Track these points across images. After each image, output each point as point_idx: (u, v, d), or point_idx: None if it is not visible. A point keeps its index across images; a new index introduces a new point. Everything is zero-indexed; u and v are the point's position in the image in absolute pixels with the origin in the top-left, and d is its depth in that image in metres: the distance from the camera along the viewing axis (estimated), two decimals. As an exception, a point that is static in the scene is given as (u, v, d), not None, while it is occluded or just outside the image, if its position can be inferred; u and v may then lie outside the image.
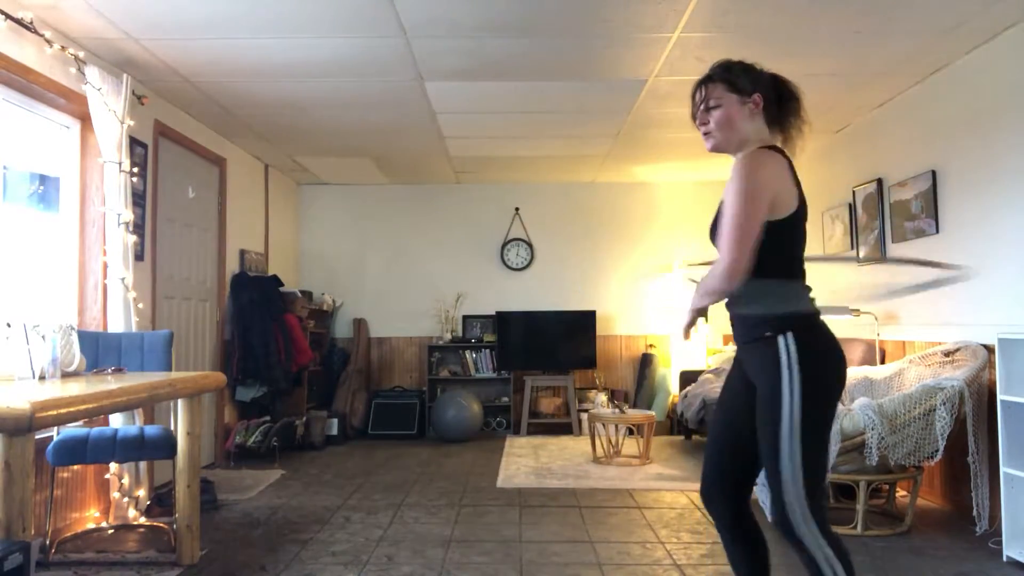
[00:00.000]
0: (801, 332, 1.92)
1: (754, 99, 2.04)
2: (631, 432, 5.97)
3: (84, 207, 4.03)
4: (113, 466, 3.79)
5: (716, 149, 2.10)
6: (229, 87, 4.49)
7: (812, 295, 2.01)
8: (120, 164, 3.86)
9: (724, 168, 6.78)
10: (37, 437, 2.55)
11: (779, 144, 2.07)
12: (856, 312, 4.73)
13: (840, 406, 3.87)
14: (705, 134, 2.09)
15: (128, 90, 3.94)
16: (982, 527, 3.48)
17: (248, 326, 5.60)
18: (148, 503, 3.91)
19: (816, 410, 1.87)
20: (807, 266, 2.09)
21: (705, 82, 2.08)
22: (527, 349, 6.99)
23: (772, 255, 1.93)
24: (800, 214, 1.97)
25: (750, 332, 2.02)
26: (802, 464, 1.86)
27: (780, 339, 1.92)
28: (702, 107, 2.08)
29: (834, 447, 3.48)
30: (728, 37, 3.75)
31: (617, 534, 3.68)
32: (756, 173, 1.91)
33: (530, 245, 7.38)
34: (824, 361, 1.92)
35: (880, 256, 4.82)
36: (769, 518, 1.96)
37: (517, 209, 7.41)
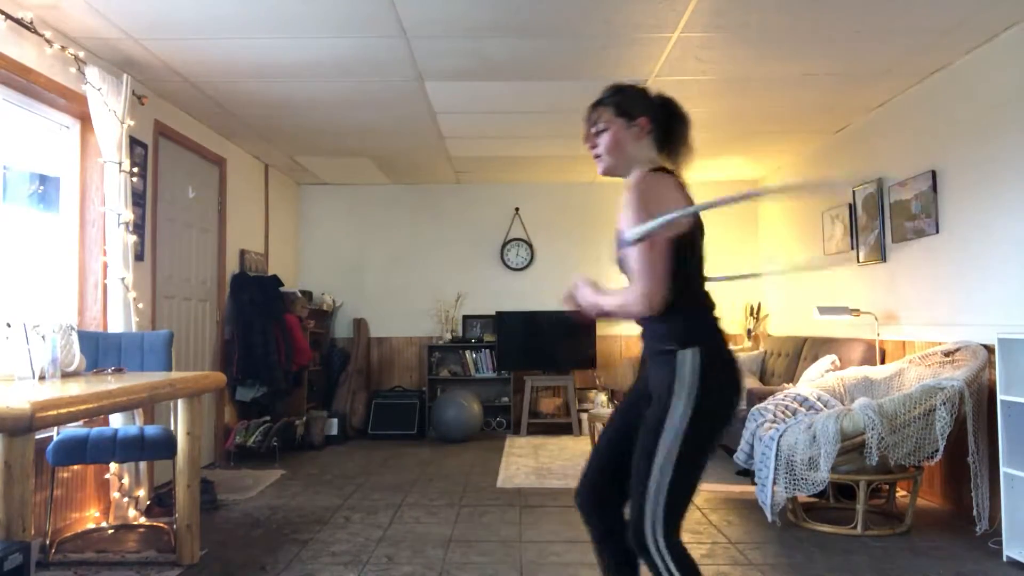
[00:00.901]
0: (705, 352, 1.91)
1: (639, 122, 2.06)
2: (631, 432, 5.95)
3: (84, 207, 4.03)
4: (113, 466, 3.79)
5: (607, 172, 2.12)
6: (229, 87, 4.49)
7: (717, 315, 2.02)
8: (120, 164, 3.86)
9: (724, 168, 6.78)
10: (37, 437, 2.55)
11: (668, 166, 2.10)
12: (856, 312, 4.74)
13: (839, 405, 3.88)
14: (596, 156, 2.11)
15: (128, 90, 3.94)
16: (982, 527, 3.48)
17: (248, 326, 5.60)
18: (148, 503, 3.91)
19: (699, 433, 1.85)
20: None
21: (595, 105, 2.10)
22: (527, 349, 6.99)
23: (675, 272, 1.94)
24: (695, 232, 2.01)
25: (656, 344, 1.99)
26: (670, 482, 1.84)
27: (681, 355, 1.90)
28: (592, 130, 2.10)
29: (834, 447, 3.48)
30: (728, 37, 3.75)
31: (617, 534, 3.67)
32: (646, 195, 1.93)
33: (530, 245, 7.38)
34: (721, 385, 1.91)
35: (880, 257, 4.82)
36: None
37: (517, 209, 7.41)
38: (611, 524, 2.03)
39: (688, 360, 1.90)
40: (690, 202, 2.01)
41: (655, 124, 2.09)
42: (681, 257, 1.96)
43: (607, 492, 2.03)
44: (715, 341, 1.96)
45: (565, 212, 7.45)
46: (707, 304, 2.03)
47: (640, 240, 1.87)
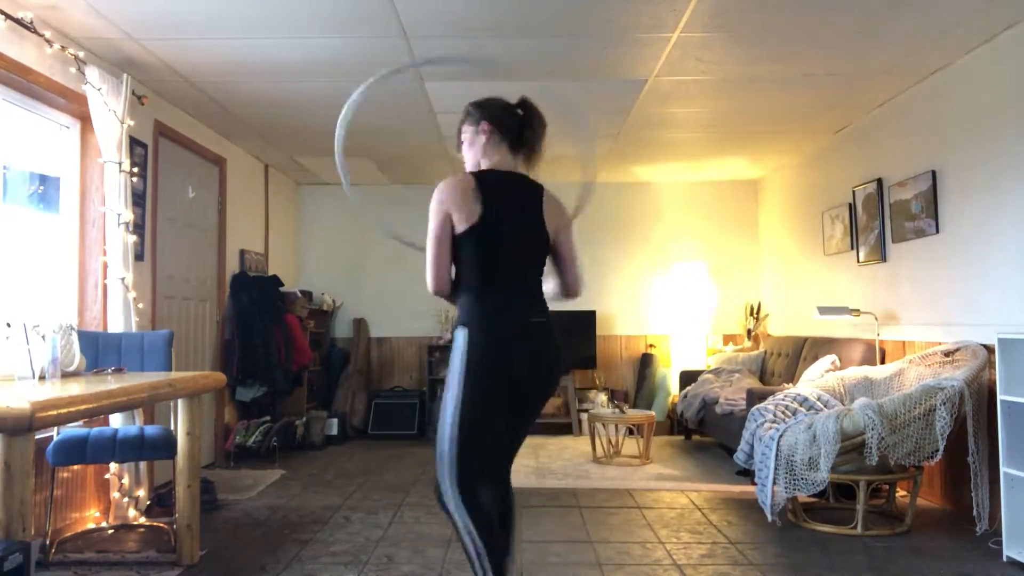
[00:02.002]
0: (473, 330, 2.19)
1: (482, 127, 2.38)
2: (631, 432, 5.97)
3: (84, 207, 4.03)
4: (113, 466, 3.79)
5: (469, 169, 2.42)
6: (229, 87, 4.49)
7: (502, 298, 2.26)
8: (120, 164, 3.86)
9: (724, 168, 6.79)
10: (37, 437, 2.55)
11: (521, 166, 2.39)
12: (856, 312, 4.73)
13: (839, 405, 3.88)
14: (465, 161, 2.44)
15: (128, 90, 3.94)
16: (982, 527, 3.48)
17: (248, 326, 5.60)
18: (148, 503, 3.91)
19: (471, 399, 2.16)
20: None
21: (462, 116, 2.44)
22: (527, 349, 6.97)
23: (460, 263, 2.26)
24: (484, 225, 2.22)
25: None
26: (456, 442, 2.17)
27: (456, 332, 2.22)
28: (459, 138, 2.46)
29: (834, 447, 3.48)
30: (728, 37, 3.75)
31: (617, 534, 3.68)
32: (432, 201, 2.27)
33: (530, 245, 7.37)
34: (485, 358, 2.17)
35: (880, 257, 4.82)
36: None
37: (517, 209, 7.40)
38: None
39: (460, 337, 2.20)
40: (488, 200, 2.25)
41: (503, 128, 2.37)
42: (466, 249, 2.23)
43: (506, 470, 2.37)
44: (483, 319, 2.22)
45: (565, 212, 7.43)
46: (486, 290, 2.25)
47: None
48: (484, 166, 2.39)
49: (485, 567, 2.21)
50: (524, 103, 2.40)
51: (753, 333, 6.95)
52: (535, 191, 2.37)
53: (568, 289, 2.51)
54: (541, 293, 2.40)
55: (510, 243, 2.28)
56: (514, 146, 2.39)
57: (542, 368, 2.31)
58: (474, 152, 2.42)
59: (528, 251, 2.35)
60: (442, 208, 2.25)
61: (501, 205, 2.26)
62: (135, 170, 4.10)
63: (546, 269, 2.45)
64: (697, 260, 7.29)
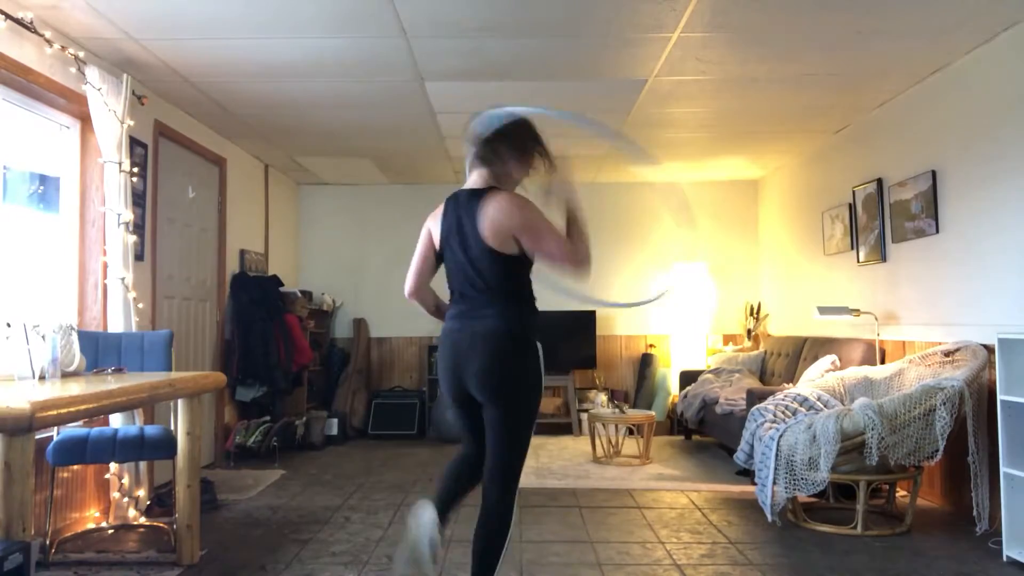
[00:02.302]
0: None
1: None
2: (631, 432, 5.97)
3: (84, 207, 4.03)
4: (113, 466, 3.79)
5: None
6: (229, 87, 4.49)
7: (453, 309, 2.63)
8: (120, 164, 3.86)
9: (724, 168, 6.79)
10: (37, 437, 2.55)
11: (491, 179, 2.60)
12: (856, 312, 4.73)
13: (839, 405, 3.88)
14: None
15: (128, 90, 3.94)
16: (982, 527, 3.48)
17: (248, 326, 5.60)
18: (148, 503, 3.91)
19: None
20: None
21: None
22: (527, 349, 6.97)
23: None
24: (441, 248, 2.61)
25: None
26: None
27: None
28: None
29: (834, 447, 3.48)
30: (728, 37, 3.75)
31: (617, 534, 3.68)
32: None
33: (530, 245, 7.37)
34: (440, 358, 2.61)
35: (880, 257, 4.82)
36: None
37: (517, 209, 7.40)
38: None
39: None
40: (445, 223, 2.57)
41: (471, 148, 2.66)
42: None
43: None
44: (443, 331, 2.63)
45: (565, 212, 7.43)
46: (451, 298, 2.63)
47: None
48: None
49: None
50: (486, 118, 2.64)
51: (753, 333, 6.95)
52: (471, 204, 2.47)
53: (571, 269, 2.49)
54: (485, 302, 2.50)
55: (452, 260, 2.57)
56: (483, 160, 2.59)
57: (467, 371, 2.49)
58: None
59: (466, 264, 2.50)
60: (424, 227, 2.67)
61: (442, 226, 2.57)
62: (135, 170, 4.10)
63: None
64: (697, 260, 7.29)
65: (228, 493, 4.50)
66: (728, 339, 7.15)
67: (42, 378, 2.92)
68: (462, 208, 2.50)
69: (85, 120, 3.94)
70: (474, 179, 2.59)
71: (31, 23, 3.36)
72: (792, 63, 4.09)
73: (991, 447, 3.48)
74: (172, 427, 3.38)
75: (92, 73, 3.74)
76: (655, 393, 6.94)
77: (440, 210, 2.60)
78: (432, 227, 2.62)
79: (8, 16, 3.23)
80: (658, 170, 6.90)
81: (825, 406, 3.98)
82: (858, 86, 4.48)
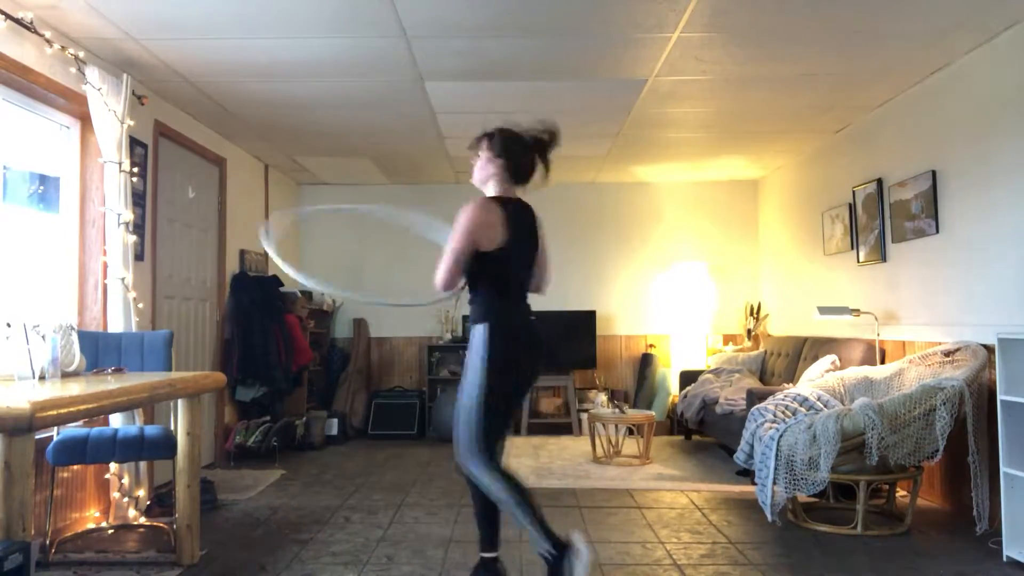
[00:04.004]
0: (493, 327, 2.68)
1: (493, 157, 2.84)
2: (631, 432, 5.97)
3: (84, 207, 4.03)
4: (113, 466, 3.79)
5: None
6: (229, 87, 4.49)
7: (514, 306, 2.80)
8: (120, 164, 3.86)
9: (724, 168, 6.79)
10: (37, 437, 2.55)
11: (516, 193, 2.85)
12: (856, 312, 4.73)
13: (839, 405, 3.88)
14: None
15: (128, 90, 3.94)
16: (982, 527, 3.48)
17: (248, 326, 5.60)
18: (148, 503, 3.91)
19: (492, 383, 2.66)
20: None
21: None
22: (527, 349, 6.97)
23: (483, 276, 2.74)
24: (505, 248, 2.71)
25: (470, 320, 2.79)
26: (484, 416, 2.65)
27: (476, 327, 2.72)
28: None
29: (834, 447, 3.48)
30: (728, 37, 3.75)
31: (617, 534, 3.68)
32: (463, 219, 2.68)
33: (530, 245, 7.37)
34: (504, 348, 2.67)
35: (880, 257, 4.82)
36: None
37: (517, 209, 7.40)
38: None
39: (479, 331, 2.71)
40: (510, 226, 2.72)
41: (507, 159, 2.83)
42: (486, 261, 2.71)
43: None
44: (501, 318, 2.72)
45: (565, 212, 7.44)
46: (502, 292, 2.77)
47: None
48: (494, 192, 2.83)
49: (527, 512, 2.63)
50: (539, 138, 2.91)
51: (753, 333, 6.95)
52: (532, 215, 2.88)
53: (541, 287, 2.96)
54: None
55: (520, 261, 2.82)
56: (516, 176, 2.85)
57: (536, 357, 2.81)
58: (483, 176, 2.86)
59: (526, 265, 2.86)
60: (481, 231, 2.69)
61: (512, 231, 2.73)
62: (135, 170, 4.10)
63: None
64: (697, 260, 7.29)
65: (228, 493, 4.50)
66: (728, 339, 7.15)
67: (42, 378, 2.92)
68: (527, 214, 2.86)
69: (85, 120, 3.94)
70: (516, 191, 2.89)
71: (31, 23, 3.36)
72: (792, 63, 4.09)
73: (991, 447, 3.48)
74: (172, 427, 3.38)
75: (92, 73, 3.74)
76: (655, 393, 6.94)
77: (499, 208, 2.73)
78: (499, 225, 2.71)
79: (8, 16, 3.23)
80: (658, 170, 6.90)
81: (825, 406, 3.98)
82: (858, 86, 4.48)
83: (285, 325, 5.87)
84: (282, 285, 6.17)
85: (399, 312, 7.36)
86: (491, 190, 2.84)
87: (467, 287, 2.79)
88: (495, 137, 2.85)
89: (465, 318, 7.31)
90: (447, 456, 5.82)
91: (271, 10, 3.44)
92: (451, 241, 2.66)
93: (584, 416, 6.51)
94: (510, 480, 2.65)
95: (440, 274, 2.68)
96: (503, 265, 2.74)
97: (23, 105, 3.62)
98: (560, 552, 2.56)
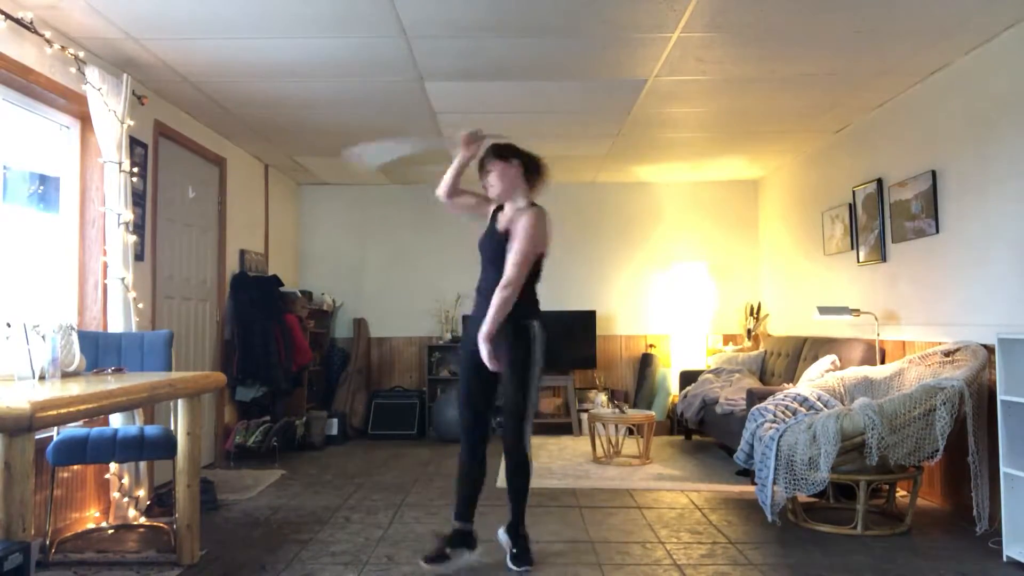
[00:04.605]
0: (542, 325, 3.20)
1: (517, 167, 3.23)
2: (631, 432, 5.97)
3: (84, 207, 4.03)
4: (113, 466, 3.79)
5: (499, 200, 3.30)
6: (229, 87, 4.49)
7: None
8: (120, 164, 3.86)
9: (724, 168, 6.79)
10: (37, 437, 2.55)
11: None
12: (856, 312, 4.73)
13: (839, 405, 3.88)
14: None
15: (128, 90, 3.94)
16: (982, 527, 3.48)
17: (248, 326, 5.60)
18: (148, 503, 3.91)
19: (540, 375, 3.19)
20: None
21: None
22: (527, 349, 6.96)
23: (529, 277, 3.17)
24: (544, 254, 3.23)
25: (514, 320, 3.13)
26: (534, 403, 3.21)
27: (529, 323, 3.17)
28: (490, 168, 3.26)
29: (834, 447, 3.48)
30: (728, 37, 3.75)
31: (617, 534, 3.68)
32: (537, 227, 3.13)
33: (530, 245, 7.37)
34: (545, 340, 3.18)
35: (880, 257, 4.82)
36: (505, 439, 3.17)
37: (517, 209, 7.40)
38: (484, 440, 3.27)
39: (535, 328, 3.17)
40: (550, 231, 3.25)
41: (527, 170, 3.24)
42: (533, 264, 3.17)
43: (486, 419, 3.27)
44: (542, 318, 3.22)
45: (565, 212, 7.43)
46: (535, 292, 3.26)
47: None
48: (526, 198, 3.21)
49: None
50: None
51: (753, 333, 6.95)
52: None
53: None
54: None
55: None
56: (530, 176, 3.25)
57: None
58: (507, 185, 3.22)
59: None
60: (543, 239, 3.17)
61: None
62: (135, 170, 4.10)
63: (491, 263, 3.23)
64: (697, 260, 7.29)
65: (228, 493, 4.50)
66: (728, 339, 7.15)
67: (42, 378, 2.92)
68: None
69: (85, 120, 3.94)
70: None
71: (31, 23, 3.36)
72: (792, 63, 4.09)
73: (991, 447, 3.48)
74: (172, 427, 3.38)
75: (92, 73, 3.74)
76: (655, 393, 6.94)
77: (546, 216, 3.18)
78: (549, 232, 3.22)
79: (8, 16, 3.23)
80: (658, 170, 6.90)
81: (825, 406, 3.98)
82: (858, 86, 4.48)
83: (285, 325, 5.87)
84: (282, 285, 6.17)
85: (399, 312, 7.35)
86: (523, 197, 3.19)
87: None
88: (498, 148, 3.20)
89: (466, 318, 7.31)
90: (447, 456, 5.82)
91: (271, 10, 3.44)
92: (521, 246, 3.04)
93: (584, 416, 6.51)
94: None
95: (514, 275, 3.05)
96: (540, 268, 3.19)
97: (23, 105, 3.62)
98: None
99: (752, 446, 3.96)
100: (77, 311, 3.98)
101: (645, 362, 7.14)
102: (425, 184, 7.42)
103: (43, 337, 2.97)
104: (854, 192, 5.20)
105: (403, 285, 7.37)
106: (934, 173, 4.24)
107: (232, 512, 4.11)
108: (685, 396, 6.04)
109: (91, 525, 3.73)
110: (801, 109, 4.95)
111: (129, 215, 3.91)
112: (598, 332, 7.11)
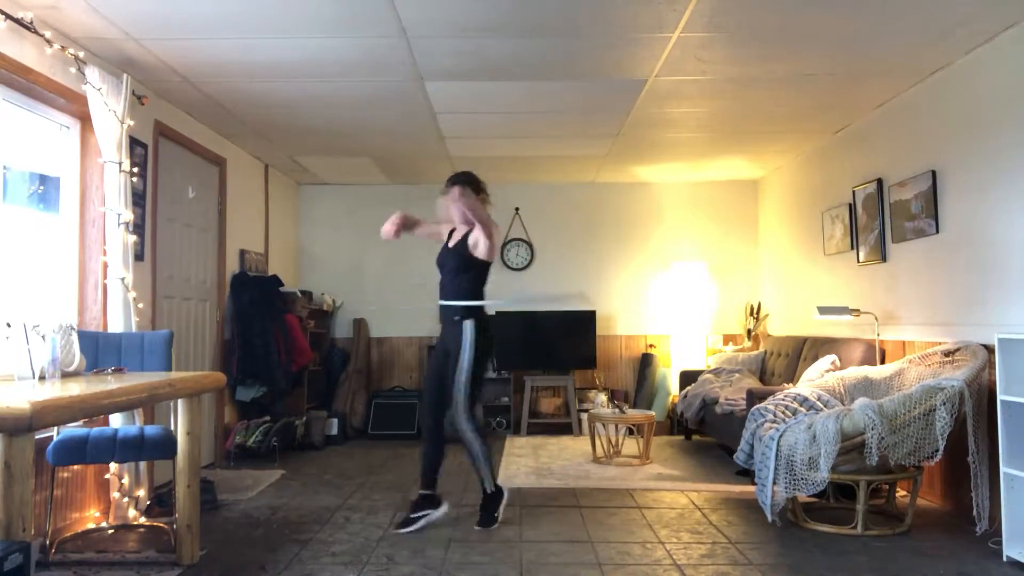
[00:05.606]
0: (479, 318, 3.87)
1: (481, 196, 3.98)
2: (631, 432, 5.97)
3: (84, 207, 4.03)
4: (113, 466, 3.79)
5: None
6: (229, 87, 4.49)
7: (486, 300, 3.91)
8: (120, 164, 3.86)
9: (724, 168, 6.79)
10: (37, 437, 2.55)
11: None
12: (856, 312, 4.73)
13: (839, 405, 3.88)
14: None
15: (128, 90, 3.94)
16: (982, 527, 3.48)
17: (248, 326, 5.60)
18: (148, 503, 3.91)
19: (477, 359, 3.81)
20: None
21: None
22: (527, 349, 6.98)
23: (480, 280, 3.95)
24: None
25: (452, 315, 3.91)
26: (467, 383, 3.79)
27: (467, 322, 3.86)
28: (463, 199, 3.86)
29: (834, 447, 3.48)
30: (728, 37, 3.75)
31: (617, 534, 3.68)
32: (494, 233, 3.92)
33: (530, 245, 7.38)
34: (485, 335, 3.85)
35: (880, 257, 4.82)
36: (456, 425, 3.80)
37: (517, 209, 7.41)
38: (439, 421, 3.93)
39: (469, 323, 3.85)
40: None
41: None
42: (484, 270, 3.96)
43: (437, 404, 3.91)
44: (483, 314, 3.89)
45: (565, 212, 7.45)
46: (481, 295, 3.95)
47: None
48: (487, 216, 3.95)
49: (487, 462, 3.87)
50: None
51: (753, 333, 6.95)
52: None
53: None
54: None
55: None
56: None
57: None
58: (480, 210, 3.87)
59: None
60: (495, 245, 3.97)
61: None
62: (135, 170, 4.10)
63: (458, 269, 3.94)
64: (697, 260, 7.29)
65: (228, 493, 4.50)
66: (728, 339, 7.15)
67: (42, 378, 2.92)
68: None
69: (85, 120, 3.94)
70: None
71: (31, 23, 3.36)
72: (792, 63, 4.09)
73: (991, 447, 3.48)
74: (172, 427, 3.38)
75: (92, 73, 3.74)
76: (655, 393, 6.94)
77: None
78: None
79: (8, 16, 3.23)
80: (658, 170, 6.90)
81: (825, 406, 3.98)
82: (858, 86, 4.48)
83: (285, 325, 5.87)
84: (282, 285, 6.17)
85: (399, 312, 7.35)
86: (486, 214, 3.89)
87: (461, 286, 3.92)
88: (464, 179, 3.97)
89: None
90: (447, 456, 5.81)
91: (271, 10, 3.44)
92: (486, 230, 3.80)
93: (584, 416, 6.52)
94: (482, 434, 3.86)
95: (491, 244, 3.85)
96: (488, 272, 3.94)
97: (23, 105, 3.62)
98: (496, 490, 3.84)
99: (752, 446, 3.96)
100: (77, 311, 3.98)
101: (645, 362, 7.14)
102: (425, 184, 7.43)
103: (43, 337, 2.97)
104: (854, 192, 5.20)
105: (403, 285, 7.37)
106: (934, 173, 4.24)
107: (232, 512, 4.11)
108: (685, 396, 6.04)
109: (91, 525, 3.73)
110: (801, 109, 4.95)
111: (129, 215, 3.91)
112: (598, 332, 7.11)
